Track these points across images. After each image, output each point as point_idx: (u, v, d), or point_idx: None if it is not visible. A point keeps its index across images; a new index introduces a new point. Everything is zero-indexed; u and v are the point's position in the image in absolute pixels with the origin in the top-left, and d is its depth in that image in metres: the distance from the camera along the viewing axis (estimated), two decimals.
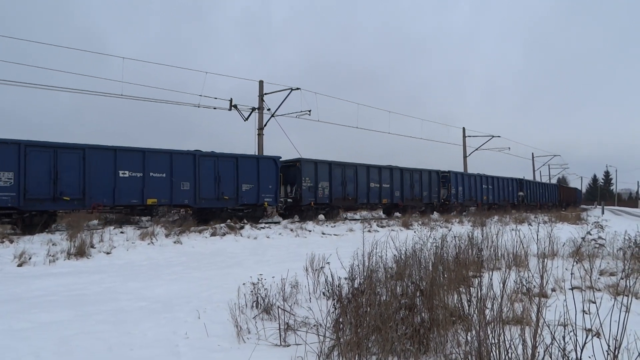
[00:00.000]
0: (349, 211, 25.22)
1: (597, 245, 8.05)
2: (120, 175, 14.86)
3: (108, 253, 10.80)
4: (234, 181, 17.71)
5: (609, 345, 2.69)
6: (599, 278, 6.77)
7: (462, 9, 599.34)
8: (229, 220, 16.56)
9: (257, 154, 20.14)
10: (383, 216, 25.55)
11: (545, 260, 5.17)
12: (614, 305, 2.88)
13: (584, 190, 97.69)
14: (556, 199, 48.73)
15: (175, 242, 12.64)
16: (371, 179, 23.39)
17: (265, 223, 19.14)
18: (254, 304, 5.27)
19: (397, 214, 25.51)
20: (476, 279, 5.03)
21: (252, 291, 5.34)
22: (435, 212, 27.73)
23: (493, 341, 2.96)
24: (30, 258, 9.61)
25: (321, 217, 23.67)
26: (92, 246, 10.92)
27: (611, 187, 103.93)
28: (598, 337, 2.92)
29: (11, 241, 11.36)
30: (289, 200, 20.09)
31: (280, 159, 19.44)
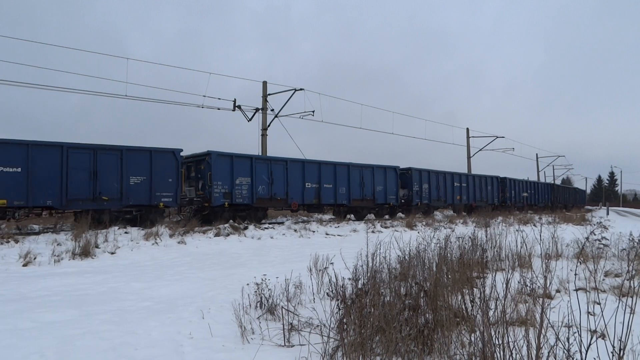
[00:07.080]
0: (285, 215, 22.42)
1: (601, 246, 8.01)
2: None
3: (112, 253, 10.85)
4: (117, 178, 15.03)
5: (614, 347, 2.69)
6: (603, 279, 6.74)
7: (491, 4, 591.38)
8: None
9: (154, 146, 16.25)
10: (334, 218, 23.01)
11: (550, 261, 5.15)
12: (618, 306, 2.87)
13: (588, 191, 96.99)
14: (549, 199, 46.00)
15: (179, 243, 12.68)
16: (307, 177, 20.82)
17: (269, 224, 18.96)
18: (258, 305, 5.28)
19: (351, 216, 23.01)
20: (480, 280, 5.03)
21: (256, 291, 5.34)
22: (398, 214, 24.98)
23: (497, 342, 2.95)
24: (35, 258, 9.66)
25: (326, 217, 23.10)
26: (97, 246, 10.98)
27: (616, 188, 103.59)
28: (603, 338, 2.91)
29: (16, 241, 11.44)
30: (196, 199, 17.62)
31: (181, 152, 16.86)
